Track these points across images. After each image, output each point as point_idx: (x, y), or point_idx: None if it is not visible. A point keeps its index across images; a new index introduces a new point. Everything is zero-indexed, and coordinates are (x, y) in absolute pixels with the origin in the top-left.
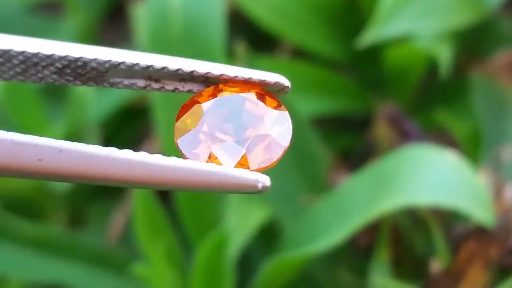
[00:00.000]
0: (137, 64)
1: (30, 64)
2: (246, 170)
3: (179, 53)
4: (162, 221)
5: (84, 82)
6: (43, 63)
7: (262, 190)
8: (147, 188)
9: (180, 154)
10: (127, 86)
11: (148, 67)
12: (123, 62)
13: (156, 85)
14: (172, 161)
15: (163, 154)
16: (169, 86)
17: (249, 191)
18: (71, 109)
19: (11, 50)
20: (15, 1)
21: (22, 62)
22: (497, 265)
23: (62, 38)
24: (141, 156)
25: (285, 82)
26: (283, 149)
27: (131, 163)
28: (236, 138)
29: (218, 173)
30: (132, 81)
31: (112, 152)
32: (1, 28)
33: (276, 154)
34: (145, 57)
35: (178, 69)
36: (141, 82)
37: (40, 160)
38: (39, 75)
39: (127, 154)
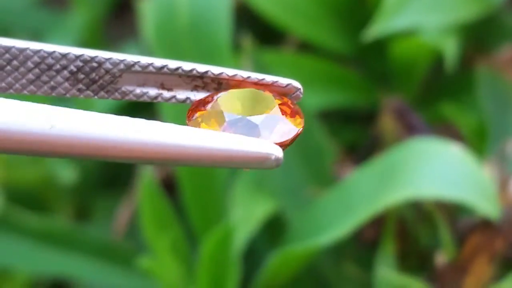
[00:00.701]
0: (152, 64)
1: (45, 67)
2: (257, 139)
3: (185, 47)
4: (168, 214)
5: (96, 93)
6: (58, 66)
7: (275, 163)
8: (157, 160)
9: None
10: (138, 97)
11: (163, 67)
12: (138, 62)
13: (167, 94)
14: (176, 128)
15: None
16: (181, 95)
17: (262, 164)
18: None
19: (28, 48)
20: None
21: (37, 65)
22: (503, 258)
23: (68, 32)
24: (152, 123)
25: (297, 85)
26: (296, 132)
27: (138, 129)
28: (249, 121)
29: (227, 140)
30: (144, 89)
31: (124, 119)
32: (7, 22)
33: (288, 136)
34: (159, 60)
35: (192, 69)
36: (153, 91)
37: (52, 127)
38: (52, 83)
39: (136, 121)
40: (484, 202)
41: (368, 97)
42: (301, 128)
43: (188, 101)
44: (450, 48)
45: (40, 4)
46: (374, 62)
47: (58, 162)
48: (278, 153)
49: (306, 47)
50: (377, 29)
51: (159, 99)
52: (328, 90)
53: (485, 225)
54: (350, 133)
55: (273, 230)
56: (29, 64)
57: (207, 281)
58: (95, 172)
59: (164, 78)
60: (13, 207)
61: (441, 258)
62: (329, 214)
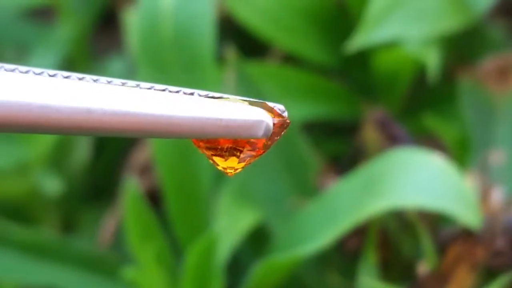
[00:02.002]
0: (139, 85)
1: None
2: (247, 106)
3: (170, 59)
4: (153, 225)
5: None
6: None
7: (265, 131)
8: (155, 133)
9: None
10: None
11: (151, 88)
12: (125, 83)
13: None
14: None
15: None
16: None
17: (252, 131)
18: None
19: (16, 69)
20: (7, 8)
21: None
22: (484, 267)
23: (54, 45)
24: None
25: (281, 107)
26: (284, 119)
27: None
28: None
29: (217, 108)
30: None
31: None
32: None
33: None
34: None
35: (178, 91)
36: None
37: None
38: None
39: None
40: (465, 212)
41: (352, 109)
42: (288, 121)
43: None
44: (433, 60)
45: (27, 18)
46: (357, 74)
47: (44, 174)
48: (269, 120)
49: (290, 59)
50: (359, 40)
51: None
52: (312, 102)
53: (467, 235)
54: (333, 145)
55: (257, 240)
56: None
57: None
58: (80, 184)
59: None
60: None
61: (423, 267)
62: (312, 224)
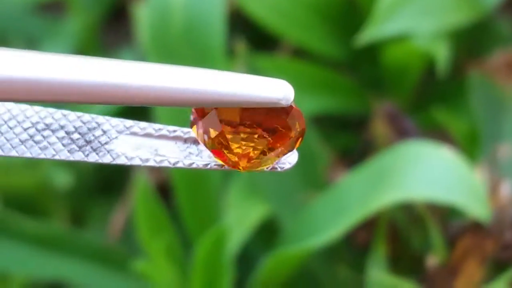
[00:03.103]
0: (151, 125)
1: (40, 128)
2: (269, 78)
3: (180, 52)
4: (163, 218)
5: (87, 154)
6: (56, 125)
7: (287, 99)
8: (183, 104)
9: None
10: (130, 159)
11: (161, 129)
12: (137, 124)
13: (159, 158)
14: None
15: None
16: (173, 159)
17: (274, 98)
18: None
19: (27, 109)
20: (17, 2)
21: (34, 124)
22: (493, 260)
23: (64, 38)
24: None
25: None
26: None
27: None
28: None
29: (245, 82)
30: (137, 152)
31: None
32: (4, 28)
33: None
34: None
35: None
36: (145, 154)
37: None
38: (44, 143)
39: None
40: (475, 205)
41: (361, 102)
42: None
43: (180, 164)
44: (442, 54)
45: (36, 11)
46: (367, 68)
47: (54, 167)
48: (290, 89)
49: (299, 53)
50: (369, 34)
51: (151, 162)
52: (321, 95)
53: (476, 228)
54: (343, 138)
55: (267, 234)
56: (28, 123)
57: (201, 284)
58: (90, 177)
59: (160, 144)
60: (9, 212)
61: (433, 260)
62: (322, 217)
